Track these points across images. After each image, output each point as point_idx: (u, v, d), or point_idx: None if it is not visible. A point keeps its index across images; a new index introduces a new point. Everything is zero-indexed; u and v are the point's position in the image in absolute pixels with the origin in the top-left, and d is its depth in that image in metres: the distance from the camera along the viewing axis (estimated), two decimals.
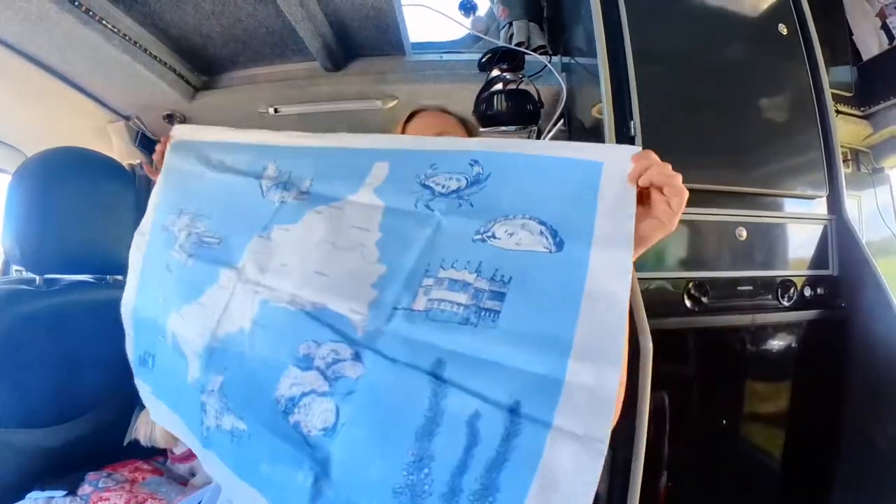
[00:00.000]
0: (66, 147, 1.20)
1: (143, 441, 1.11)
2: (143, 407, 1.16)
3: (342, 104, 1.53)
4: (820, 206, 1.08)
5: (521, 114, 1.28)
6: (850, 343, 1.04)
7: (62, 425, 1.08)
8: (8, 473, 0.99)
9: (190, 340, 0.77)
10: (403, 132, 0.97)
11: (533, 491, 0.47)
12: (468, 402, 0.53)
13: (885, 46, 1.62)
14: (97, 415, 1.16)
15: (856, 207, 1.65)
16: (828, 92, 1.11)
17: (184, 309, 0.80)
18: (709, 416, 0.99)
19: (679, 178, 0.56)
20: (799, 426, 1.05)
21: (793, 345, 1.04)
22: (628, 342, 0.58)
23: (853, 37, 1.66)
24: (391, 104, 1.52)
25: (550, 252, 0.58)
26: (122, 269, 1.28)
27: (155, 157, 0.99)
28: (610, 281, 0.54)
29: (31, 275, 1.11)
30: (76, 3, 1.03)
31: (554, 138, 1.29)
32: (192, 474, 1.15)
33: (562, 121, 1.29)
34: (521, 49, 1.28)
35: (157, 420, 0.87)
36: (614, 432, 0.51)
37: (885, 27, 1.63)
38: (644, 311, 0.79)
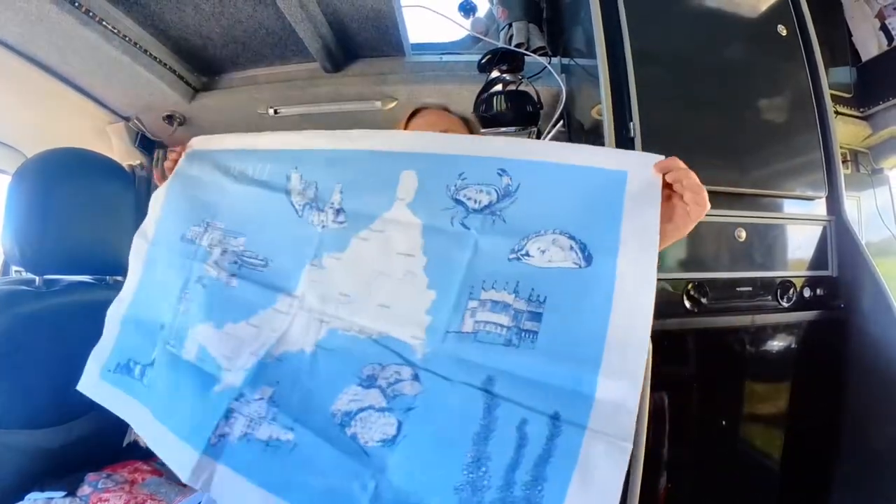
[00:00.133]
0: (66, 148, 1.20)
1: (143, 442, 1.11)
2: None
3: (342, 105, 1.53)
4: (819, 207, 1.09)
5: (521, 115, 1.28)
6: (849, 344, 1.04)
7: (62, 426, 1.08)
8: (7, 474, 0.98)
9: (233, 355, 0.79)
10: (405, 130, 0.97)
11: (574, 479, 0.55)
12: (516, 412, 0.61)
13: (885, 47, 1.62)
14: (97, 416, 1.16)
15: (855, 208, 1.65)
16: (827, 93, 1.11)
17: (228, 326, 0.82)
18: (708, 416, 0.99)
19: (704, 190, 0.61)
20: (798, 426, 1.05)
21: (792, 345, 1.04)
22: None
23: (852, 38, 1.67)
24: (391, 105, 1.52)
25: (580, 267, 0.64)
26: (122, 269, 1.28)
27: (167, 164, 0.97)
28: (636, 295, 0.61)
29: (30, 275, 1.11)
30: (76, 4, 1.03)
31: (553, 139, 1.29)
32: None
33: (561, 122, 1.29)
34: (521, 50, 1.28)
35: (136, 428, 0.85)
36: None
37: (884, 28, 1.63)
38: None
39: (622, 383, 0.58)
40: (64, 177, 1.13)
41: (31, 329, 1.02)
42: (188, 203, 0.93)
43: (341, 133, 0.84)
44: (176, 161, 0.96)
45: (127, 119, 1.59)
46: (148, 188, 1.72)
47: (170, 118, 1.58)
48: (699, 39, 1.06)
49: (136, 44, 1.22)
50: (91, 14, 1.07)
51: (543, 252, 0.66)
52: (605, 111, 0.96)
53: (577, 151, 0.70)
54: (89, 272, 1.24)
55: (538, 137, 1.36)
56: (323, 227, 0.80)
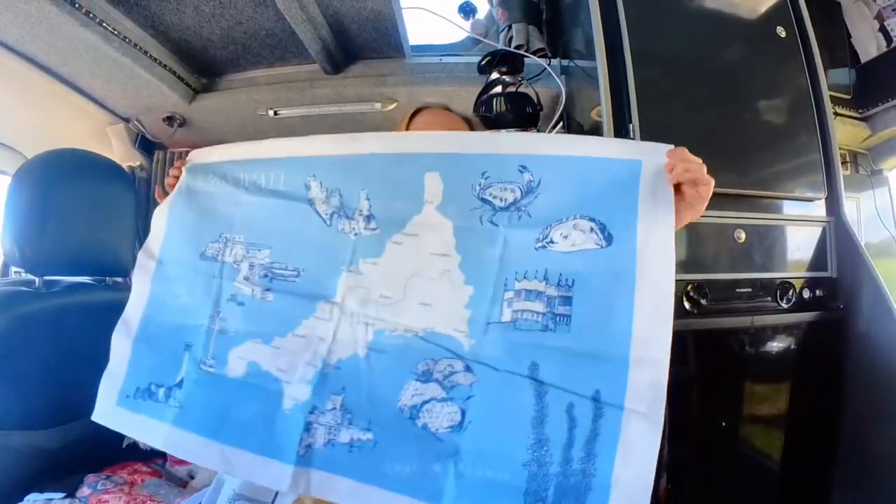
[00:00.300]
0: (66, 149, 1.21)
1: (142, 443, 1.10)
2: None
3: (342, 107, 1.54)
4: (818, 208, 1.09)
5: (521, 116, 1.28)
6: (848, 344, 1.04)
7: (61, 427, 1.08)
8: (7, 475, 0.98)
9: (291, 369, 0.81)
10: (407, 130, 0.97)
11: (619, 453, 0.63)
12: (563, 397, 0.67)
13: (884, 49, 1.63)
14: None
15: (854, 209, 1.65)
16: (826, 94, 1.11)
17: (276, 340, 0.82)
18: (708, 417, 0.99)
19: (705, 169, 0.66)
20: (798, 427, 1.05)
21: (792, 346, 1.04)
22: None
23: (851, 39, 1.67)
24: (391, 107, 1.52)
25: (602, 247, 0.69)
26: (122, 270, 1.29)
27: (168, 181, 0.95)
28: (657, 269, 0.66)
29: (30, 276, 1.11)
30: (77, 6, 1.03)
31: None
32: (191, 476, 1.14)
33: (561, 123, 1.29)
34: (521, 52, 1.28)
35: (171, 447, 0.85)
36: None
37: (882, 29, 1.63)
38: None
39: (650, 354, 0.64)
40: (64, 178, 1.13)
41: (30, 330, 1.02)
42: (199, 218, 0.92)
43: (347, 137, 0.85)
44: (177, 177, 0.94)
45: (127, 120, 1.60)
46: (148, 189, 1.73)
47: (170, 119, 1.58)
48: (698, 41, 1.06)
49: (136, 45, 1.22)
50: (91, 16, 1.07)
51: (566, 237, 0.71)
52: (604, 113, 0.96)
53: (592, 144, 0.76)
54: (89, 273, 1.25)
55: None
56: (356, 234, 0.82)
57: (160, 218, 0.94)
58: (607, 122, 0.95)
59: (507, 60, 1.29)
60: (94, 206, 1.18)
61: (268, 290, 0.85)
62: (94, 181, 1.21)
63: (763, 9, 1.13)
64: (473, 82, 1.36)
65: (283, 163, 0.89)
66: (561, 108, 1.27)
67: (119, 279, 1.36)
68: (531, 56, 1.29)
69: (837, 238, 1.07)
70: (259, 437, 0.80)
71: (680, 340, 0.94)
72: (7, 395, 0.99)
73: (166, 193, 0.94)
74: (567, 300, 0.70)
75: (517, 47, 1.29)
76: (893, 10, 1.62)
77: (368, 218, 0.82)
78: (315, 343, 0.81)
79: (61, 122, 1.55)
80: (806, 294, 1.04)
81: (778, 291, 1.02)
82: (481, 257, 0.76)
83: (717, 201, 0.98)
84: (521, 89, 1.31)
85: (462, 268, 0.76)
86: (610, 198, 0.70)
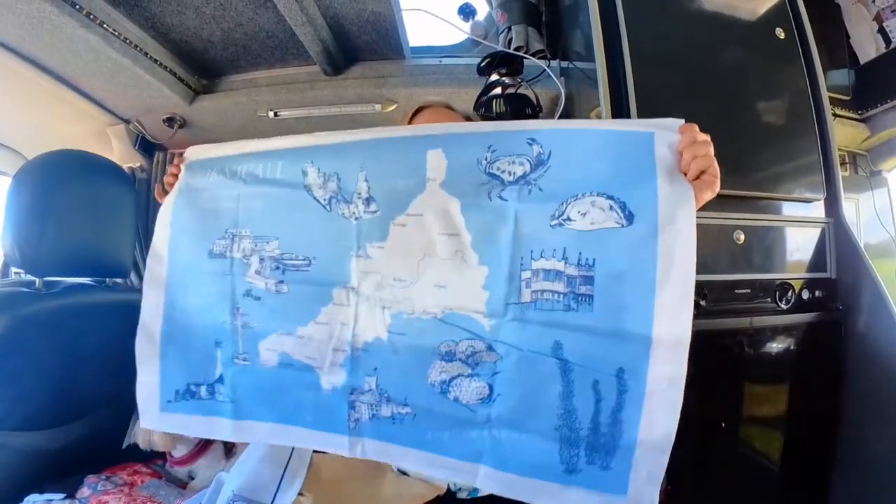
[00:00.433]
0: (66, 150, 1.21)
1: (142, 444, 1.10)
2: None
3: (342, 108, 1.54)
4: (818, 210, 1.09)
5: (520, 117, 1.28)
6: (847, 345, 1.04)
7: (61, 428, 1.08)
8: (6, 476, 0.98)
9: (320, 356, 0.82)
10: None
11: (643, 422, 0.66)
12: (588, 374, 0.69)
13: (882, 50, 1.63)
14: (96, 418, 1.16)
15: (854, 210, 1.66)
16: (825, 95, 1.11)
17: (299, 330, 0.83)
18: (707, 418, 0.99)
19: (712, 149, 0.66)
20: (797, 428, 1.05)
21: (791, 347, 1.04)
22: None
23: (850, 40, 1.67)
24: (391, 108, 1.53)
25: (623, 226, 0.67)
26: (122, 272, 1.29)
27: (167, 179, 0.94)
28: (679, 248, 0.65)
29: (30, 277, 1.11)
30: (77, 7, 1.04)
31: None
32: (191, 477, 1.14)
33: None
34: (520, 53, 1.29)
35: (239, 437, 0.88)
36: None
37: (882, 31, 1.63)
38: None
39: (673, 331, 0.65)
40: (64, 179, 1.13)
41: (30, 331, 1.02)
42: (202, 217, 0.91)
43: (353, 131, 0.83)
44: (176, 175, 0.93)
45: (127, 121, 1.60)
46: (148, 190, 1.73)
47: (170, 120, 1.58)
48: (698, 43, 1.06)
49: (136, 46, 1.22)
50: (92, 17, 1.07)
51: (584, 215, 0.69)
52: (603, 114, 0.96)
53: (601, 123, 0.75)
54: (89, 274, 1.25)
55: None
56: (356, 218, 0.80)
57: (163, 220, 0.93)
58: None
59: (506, 62, 1.30)
60: (94, 207, 1.18)
61: (281, 282, 0.84)
62: (94, 182, 1.21)
63: (762, 10, 1.14)
64: (473, 84, 1.36)
65: (281, 153, 0.87)
66: (560, 110, 1.28)
67: (119, 280, 1.36)
68: (530, 58, 1.29)
69: (837, 239, 1.08)
70: (312, 415, 0.84)
71: None
72: (7, 395, 0.98)
73: (166, 192, 0.94)
74: (589, 280, 0.69)
75: (517, 49, 1.30)
76: (892, 12, 1.62)
77: (368, 200, 0.80)
78: (338, 329, 0.81)
79: (61, 123, 1.55)
80: (805, 295, 1.04)
81: (777, 292, 1.02)
82: (493, 236, 0.74)
83: (717, 202, 0.98)
84: (521, 91, 1.31)
85: (475, 247, 0.74)
86: (626, 173, 0.68)
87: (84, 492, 1.00)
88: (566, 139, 0.72)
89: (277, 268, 0.85)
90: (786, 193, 1.07)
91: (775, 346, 1.03)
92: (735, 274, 1.00)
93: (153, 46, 1.29)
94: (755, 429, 1.06)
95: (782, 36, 1.12)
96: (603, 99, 0.96)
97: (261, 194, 0.87)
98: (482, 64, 1.31)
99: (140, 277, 1.43)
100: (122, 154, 1.63)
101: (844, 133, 1.65)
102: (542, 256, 0.71)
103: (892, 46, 1.61)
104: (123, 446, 1.18)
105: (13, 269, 1.51)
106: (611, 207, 0.68)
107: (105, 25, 1.12)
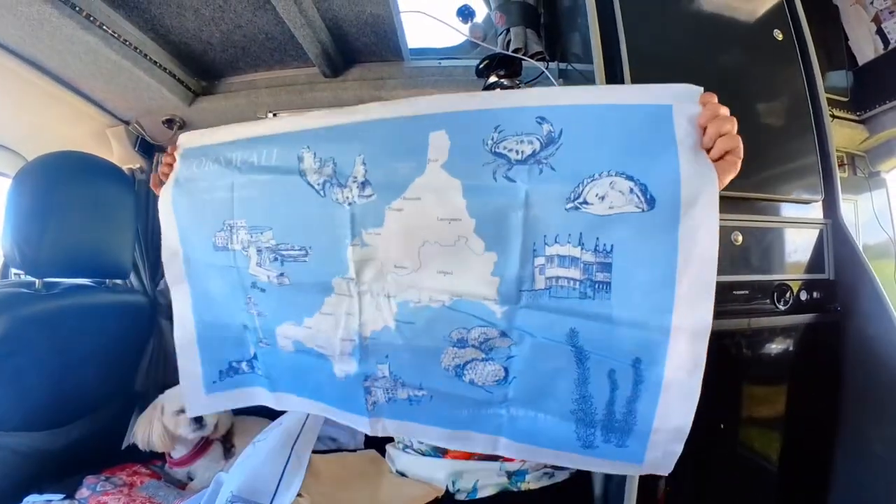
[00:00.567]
0: (66, 151, 1.21)
1: (141, 445, 1.11)
2: (141, 410, 1.16)
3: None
4: (816, 211, 1.09)
5: None
6: (846, 346, 1.04)
7: (61, 428, 1.08)
8: (6, 476, 0.99)
9: (329, 345, 0.82)
10: None
11: (658, 412, 0.65)
12: (604, 363, 0.67)
13: (881, 51, 1.63)
14: (95, 418, 1.16)
15: (852, 211, 1.66)
16: (823, 96, 1.11)
17: (306, 321, 0.83)
18: (706, 420, 0.99)
19: (735, 127, 0.62)
20: (796, 429, 1.05)
21: (789, 348, 1.04)
22: None
23: (849, 41, 1.68)
24: None
25: (643, 211, 0.62)
26: (122, 272, 1.29)
27: (162, 169, 0.93)
28: (701, 234, 0.60)
29: (30, 278, 1.11)
30: (77, 9, 1.04)
31: None
32: (190, 478, 1.15)
33: None
34: (519, 55, 1.29)
35: (279, 405, 0.93)
36: None
37: (880, 32, 1.64)
38: None
39: (693, 327, 0.62)
40: (64, 180, 1.13)
41: (30, 331, 1.02)
42: (201, 209, 0.89)
43: (344, 109, 0.78)
44: (171, 165, 0.91)
45: (127, 122, 1.60)
46: (148, 191, 1.73)
47: (169, 122, 1.58)
48: (696, 45, 1.06)
49: (136, 48, 1.22)
50: (92, 19, 1.08)
51: (602, 198, 0.64)
52: None
53: (616, 92, 0.68)
54: (89, 275, 1.25)
55: None
56: (349, 203, 0.76)
57: (167, 216, 0.92)
58: None
59: (505, 64, 1.30)
60: (94, 208, 1.19)
61: (282, 274, 0.83)
62: (94, 183, 1.21)
63: (760, 12, 1.14)
64: (472, 85, 1.36)
65: (277, 138, 0.83)
66: None
67: (119, 281, 1.36)
68: (529, 59, 1.29)
69: (835, 240, 1.08)
70: (333, 396, 0.85)
71: None
72: (7, 396, 0.99)
73: (161, 183, 0.93)
74: (606, 267, 0.64)
75: (515, 51, 1.30)
76: (891, 13, 1.62)
77: (363, 184, 0.75)
78: (344, 319, 0.80)
79: (61, 124, 1.55)
80: (803, 296, 1.04)
81: (775, 293, 1.02)
82: (500, 219, 0.68)
83: None
84: None
85: (478, 232, 0.70)
86: (645, 151, 0.62)
87: (83, 492, 1.00)
88: (578, 116, 0.66)
89: (276, 259, 0.83)
90: (784, 195, 1.07)
91: (773, 348, 1.03)
92: (733, 275, 0.99)
93: (153, 48, 1.29)
94: (754, 430, 1.06)
95: (780, 38, 1.12)
96: None
97: (254, 182, 0.83)
98: (481, 66, 1.31)
99: (139, 279, 1.43)
100: (121, 155, 1.62)
101: (843, 134, 1.65)
102: (556, 242, 0.66)
103: (890, 47, 1.61)
104: (123, 447, 1.19)
105: (13, 270, 1.51)
106: (631, 190, 0.62)
107: (105, 27, 1.12)
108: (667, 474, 0.71)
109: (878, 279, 1.01)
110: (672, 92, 0.63)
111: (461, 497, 0.88)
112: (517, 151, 0.67)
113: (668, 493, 0.93)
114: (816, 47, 1.14)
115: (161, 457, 1.18)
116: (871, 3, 1.64)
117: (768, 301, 1.02)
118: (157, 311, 1.41)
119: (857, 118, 1.66)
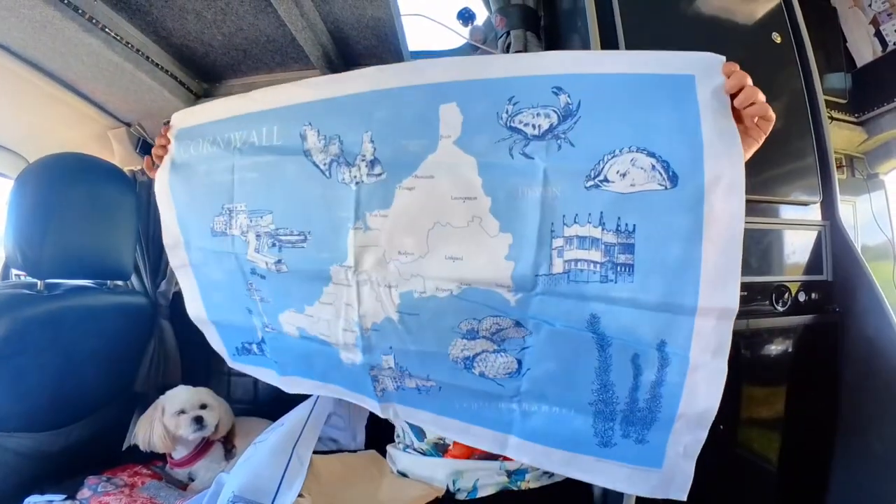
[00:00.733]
0: (68, 153, 1.21)
1: (142, 446, 1.11)
2: (142, 411, 1.16)
3: None
4: (814, 212, 1.10)
5: None
6: (844, 346, 1.04)
7: (62, 429, 1.08)
8: (7, 477, 0.99)
9: (332, 334, 0.80)
10: None
11: (684, 396, 0.62)
12: (627, 347, 0.64)
13: (879, 53, 1.64)
14: (96, 419, 1.16)
15: (851, 213, 1.67)
16: (821, 99, 1.12)
17: (308, 309, 0.81)
18: None
19: (763, 98, 0.58)
20: (795, 430, 1.05)
21: (788, 349, 1.05)
22: None
23: (847, 44, 1.69)
24: None
25: (666, 189, 0.59)
26: (123, 274, 1.30)
27: (156, 151, 0.89)
28: (726, 211, 0.58)
29: (31, 279, 1.11)
30: (79, 11, 1.04)
31: None
32: (192, 479, 1.15)
33: None
34: None
35: (289, 389, 0.93)
36: None
37: (878, 34, 1.65)
38: None
39: (719, 307, 0.59)
40: (65, 181, 1.13)
41: (32, 332, 1.02)
42: (198, 193, 0.86)
43: (343, 75, 0.74)
44: (165, 147, 0.88)
45: (128, 124, 1.60)
46: (149, 193, 1.73)
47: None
48: (695, 48, 1.06)
49: (138, 50, 1.23)
50: (94, 21, 1.08)
51: (624, 175, 0.60)
52: None
53: (635, 60, 0.62)
54: (90, 276, 1.25)
55: None
56: (357, 183, 0.72)
57: (164, 201, 0.90)
58: None
59: None
60: (95, 210, 1.19)
61: (279, 261, 0.80)
62: (95, 185, 1.21)
63: (759, 15, 1.15)
64: None
65: (275, 114, 0.79)
66: None
67: (120, 283, 1.37)
68: None
69: (833, 241, 1.08)
70: (343, 378, 0.84)
71: None
72: (8, 397, 0.99)
73: (155, 167, 0.90)
74: (629, 248, 0.61)
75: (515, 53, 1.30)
76: (888, 15, 1.63)
77: (372, 163, 0.71)
78: (343, 309, 0.77)
79: (63, 125, 1.55)
80: (802, 297, 1.05)
81: (774, 295, 1.03)
82: (517, 198, 0.65)
83: None
84: None
85: (494, 212, 0.66)
86: (667, 124, 0.59)
87: (84, 493, 1.00)
88: (596, 86, 0.62)
89: (274, 245, 0.80)
90: (782, 196, 1.07)
91: (772, 348, 1.04)
92: None
93: (154, 50, 1.30)
94: (753, 430, 1.07)
95: (779, 40, 1.13)
96: None
97: (257, 164, 0.80)
98: None
99: (141, 280, 1.43)
100: (122, 157, 1.63)
101: (841, 136, 1.66)
102: (575, 222, 0.63)
103: (888, 50, 1.62)
104: (124, 448, 1.19)
105: (14, 271, 1.52)
106: (653, 167, 0.59)
107: (107, 30, 1.13)
108: (684, 498, 0.68)
109: (877, 280, 1.01)
110: (694, 60, 0.59)
111: (461, 496, 0.88)
112: (534, 126, 0.64)
113: None
114: (815, 49, 1.15)
115: (162, 457, 1.18)
116: (870, 5, 1.65)
117: (767, 302, 1.02)
118: (158, 312, 1.41)
119: (855, 120, 1.67)
